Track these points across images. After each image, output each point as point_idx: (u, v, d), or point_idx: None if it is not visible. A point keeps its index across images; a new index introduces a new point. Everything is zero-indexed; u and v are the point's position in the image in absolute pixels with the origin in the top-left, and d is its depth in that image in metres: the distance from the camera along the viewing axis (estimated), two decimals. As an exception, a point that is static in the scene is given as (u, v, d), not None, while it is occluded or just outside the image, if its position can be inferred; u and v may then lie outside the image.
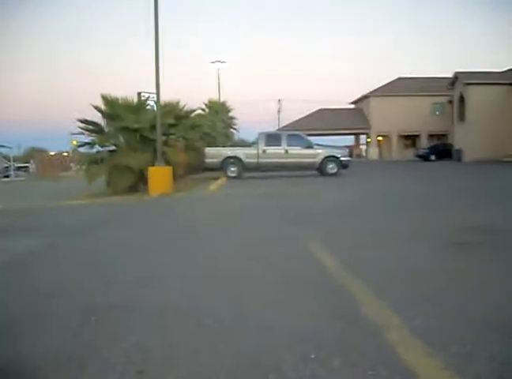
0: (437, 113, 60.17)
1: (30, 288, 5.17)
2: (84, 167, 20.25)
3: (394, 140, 61.87)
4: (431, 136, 59.93)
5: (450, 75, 48.53)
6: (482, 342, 3.16)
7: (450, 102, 52.20)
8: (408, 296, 4.21)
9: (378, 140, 63.39)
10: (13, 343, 3.51)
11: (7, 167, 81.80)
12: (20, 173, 75.58)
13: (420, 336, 3.27)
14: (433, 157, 48.66)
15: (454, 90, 48.39)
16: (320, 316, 3.78)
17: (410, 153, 55.91)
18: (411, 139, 62.57)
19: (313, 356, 3.04)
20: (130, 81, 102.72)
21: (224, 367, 2.97)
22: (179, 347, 3.31)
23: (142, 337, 3.49)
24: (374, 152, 62.09)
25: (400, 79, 62.89)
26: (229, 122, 45.06)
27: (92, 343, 3.44)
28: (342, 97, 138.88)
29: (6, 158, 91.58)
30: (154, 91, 19.11)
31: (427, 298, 4.11)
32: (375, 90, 62.45)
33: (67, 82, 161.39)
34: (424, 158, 49.38)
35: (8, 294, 4.97)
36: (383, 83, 63.52)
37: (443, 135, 58.27)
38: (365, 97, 63.76)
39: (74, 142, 58.38)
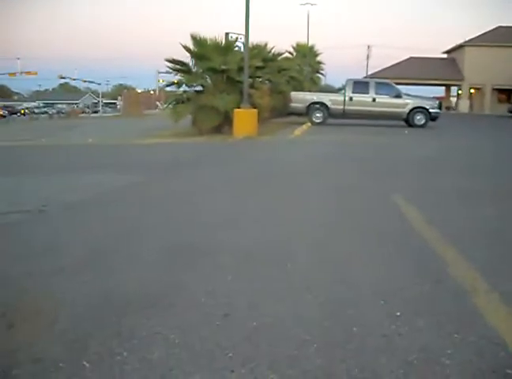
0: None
1: (118, 224, 5.25)
2: (170, 106, 20.46)
3: (488, 93, 58.98)
4: (527, 91, 56.77)
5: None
6: None
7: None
8: (495, 260, 3.99)
9: (470, 93, 60.64)
10: (105, 278, 3.55)
11: (96, 103, 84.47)
12: (108, 109, 77.81)
13: (509, 302, 3.10)
14: (527, 113, 46.19)
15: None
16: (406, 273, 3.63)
17: (504, 108, 53.17)
18: (506, 93, 59.47)
19: (398, 314, 2.94)
20: (219, 20, 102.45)
21: (305, 317, 2.92)
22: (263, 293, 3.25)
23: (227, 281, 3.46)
24: (465, 105, 59.52)
25: (500, 28, 59.34)
26: (316, 67, 44.21)
27: (178, 283, 3.43)
28: (435, 45, 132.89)
29: (95, 94, 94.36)
30: (242, 32, 18.90)
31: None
32: (472, 39, 59.27)
33: (156, 19, 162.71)
34: (518, 114, 46.97)
35: (94, 231, 5.07)
36: (481, 32, 60.27)
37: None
38: (460, 46, 60.73)
39: (161, 80, 59.28)
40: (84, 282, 3.46)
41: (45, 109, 76.94)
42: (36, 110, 74.69)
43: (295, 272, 3.64)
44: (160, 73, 49.87)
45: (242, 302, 3.11)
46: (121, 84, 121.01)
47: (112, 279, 3.54)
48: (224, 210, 5.86)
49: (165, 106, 22.89)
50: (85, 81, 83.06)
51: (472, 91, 60.35)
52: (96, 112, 74.30)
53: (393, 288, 3.35)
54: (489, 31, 59.50)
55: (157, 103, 58.51)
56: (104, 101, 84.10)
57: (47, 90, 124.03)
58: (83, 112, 75.16)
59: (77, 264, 3.82)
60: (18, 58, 77.63)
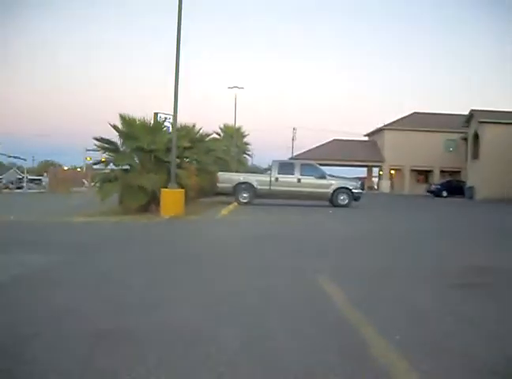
0: (450, 149, 60.25)
1: (37, 307, 5.23)
2: (97, 184, 20.39)
3: (407, 174, 61.86)
4: (443, 172, 59.92)
5: (466, 112, 48.75)
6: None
7: (465, 139, 52.36)
8: (415, 339, 4.22)
9: (391, 174, 63.40)
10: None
11: (20, 179, 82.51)
12: (32, 185, 76.09)
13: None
14: (445, 193, 48.62)
15: (469, 127, 48.58)
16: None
17: (422, 188, 55.83)
18: (423, 174, 62.58)
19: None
20: (147, 99, 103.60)
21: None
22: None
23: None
24: (386, 185, 62.02)
25: (415, 114, 63.08)
26: (243, 148, 45.27)
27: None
28: (356, 129, 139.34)
29: (20, 169, 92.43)
30: (171, 112, 19.33)
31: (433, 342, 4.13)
32: (390, 123, 62.65)
33: (84, 97, 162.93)
34: (436, 194, 49.32)
35: (14, 313, 5.03)
36: (398, 116, 63.75)
37: (456, 172, 58.24)
38: (379, 130, 63.96)
39: (88, 158, 58.91)
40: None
41: (-35, 184, 74.52)
42: (-45, 185, 72.23)
43: (219, 355, 3.75)
44: (87, 150, 49.72)
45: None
46: (47, 161, 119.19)
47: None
48: (141, 289, 5.92)
49: (92, 184, 22.76)
50: (10, 156, 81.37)
51: (392, 171, 63.14)
52: (19, 188, 72.48)
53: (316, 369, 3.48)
54: (406, 117, 63.20)
55: (84, 180, 57.92)
56: (29, 177, 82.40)
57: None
58: (6, 187, 73.22)
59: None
60: None
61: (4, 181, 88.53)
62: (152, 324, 4.52)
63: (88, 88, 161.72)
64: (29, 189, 65.43)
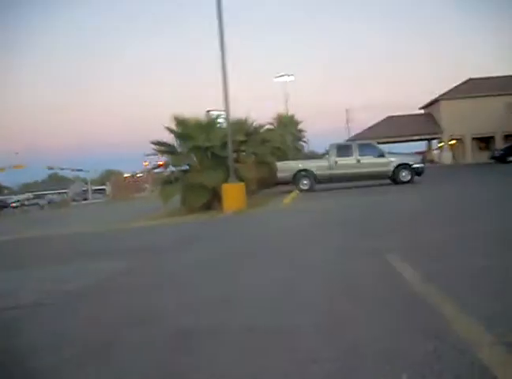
0: (511, 112, 58.15)
1: (117, 310, 5.31)
2: (159, 188, 20.71)
3: (468, 142, 60.14)
4: (507, 136, 57.87)
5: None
6: None
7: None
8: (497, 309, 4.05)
9: (451, 145, 61.78)
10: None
11: (85, 190, 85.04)
12: (97, 195, 78.17)
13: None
14: (510, 158, 46.92)
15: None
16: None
17: (485, 155, 54.09)
18: (485, 141, 60.64)
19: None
20: (199, 100, 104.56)
21: None
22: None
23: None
24: (447, 157, 60.51)
25: (470, 80, 61.18)
26: (299, 135, 45.08)
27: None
28: (411, 102, 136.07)
29: (84, 181, 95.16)
30: (222, 108, 19.43)
31: None
32: (445, 93, 60.98)
33: (138, 103, 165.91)
34: (500, 159, 47.68)
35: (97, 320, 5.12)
36: (453, 85, 62.05)
37: (520, 135, 56.23)
38: (435, 101, 62.37)
39: (146, 163, 60.05)
40: (90, 375, 3.50)
41: (35, 200, 77.30)
42: (27, 203, 75.04)
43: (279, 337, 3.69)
44: (146, 155, 50.54)
45: None
46: (108, 170, 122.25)
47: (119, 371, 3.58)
48: (217, 288, 5.92)
49: (153, 188, 23.15)
50: (73, 170, 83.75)
51: (452, 142, 61.50)
52: (85, 199, 74.66)
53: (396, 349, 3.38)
54: (461, 84, 61.30)
55: (145, 185, 59.01)
56: (93, 188, 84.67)
57: (36, 181, 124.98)
58: (73, 200, 75.52)
59: (81, 357, 3.86)
60: (16, 153, 78.34)
61: (70, 194, 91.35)
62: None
63: (137, 94, 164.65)
64: (94, 199, 67.23)
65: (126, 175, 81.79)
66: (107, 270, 7.89)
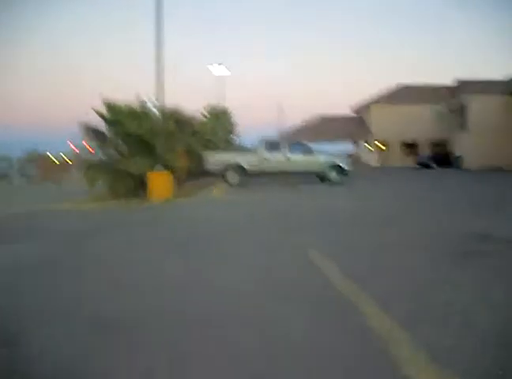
0: (438, 120, 60.17)
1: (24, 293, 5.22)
2: (85, 172, 20.24)
3: (395, 147, 61.87)
4: (431, 143, 59.92)
5: (452, 83, 48.78)
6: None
7: (452, 109, 52.36)
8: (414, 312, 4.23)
9: (379, 148, 63.41)
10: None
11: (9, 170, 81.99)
12: (23, 176, 75.57)
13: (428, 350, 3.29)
14: (433, 164, 48.72)
15: (456, 98, 48.57)
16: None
17: (411, 160, 55.84)
18: (412, 146, 62.55)
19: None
20: (132, 85, 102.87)
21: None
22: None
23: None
24: (374, 160, 62.06)
25: (401, 86, 62.93)
26: (230, 128, 45.03)
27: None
28: (343, 105, 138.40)
29: (8, 160, 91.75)
30: (156, 97, 19.23)
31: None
32: (376, 98, 62.53)
33: (68, 84, 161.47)
34: (425, 165, 49.47)
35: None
36: (384, 91, 63.60)
37: (444, 143, 58.28)
38: (366, 105, 63.83)
39: (74, 146, 58.49)
40: None
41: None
42: None
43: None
44: (73, 139, 49.24)
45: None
46: (35, 150, 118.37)
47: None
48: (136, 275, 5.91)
49: (79, 172, 22.60)
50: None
51: (380, 146, 63.15)
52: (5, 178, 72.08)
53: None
54: (391, 90, 63.02)
55: (72, 169, 57.63)
56: (18, 167, 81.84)
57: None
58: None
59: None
60: None
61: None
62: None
63: (73, 76, 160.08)
64: (20, 179, 64.93)
65: (51, 157, 79.49)
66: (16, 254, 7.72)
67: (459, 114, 47.80)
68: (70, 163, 63.36)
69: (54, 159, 71.04)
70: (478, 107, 44.25)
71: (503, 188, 20.62)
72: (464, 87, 45.83)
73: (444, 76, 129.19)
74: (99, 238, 9.17)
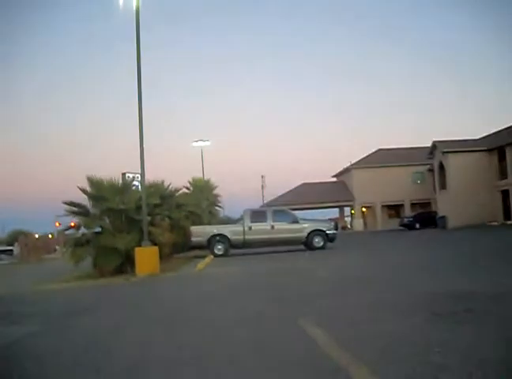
0: (418, 182, 61.14)
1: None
2: (69, 249, 20.09)
3: (378, 210, 62.45)
4: (414, 204, 60.62)
5: (429, 144, 49.90)
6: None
7: (431, 170, 53.33)
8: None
9: (363, 212, 63.99)
10: None
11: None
12: (3, 256, 74.62)
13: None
14: (417, 225, 48.97)
15: (434, 159, 49.59)
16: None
17: (395, 222, 56.22)
18: (395, 208, 63.20)
19: None
20: (114, 161, 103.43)
21: None
22: None
23: None
24: (359, 224, 62.51)
25: (380, 150, 64.15)
26: (214, 200, 45.19)
27: None
28: (324, 171, 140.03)
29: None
30: (138, 171, 19.40)
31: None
32: (356, 162, 63.59)
33: (51, 163, 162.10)
34: (409, 227, 49.72)
35: None
36: (364, 155, 64.77)
37: (426, 203, 58.97)
38: (347, 170, 64.85)
39: (57, 224, 58.22)
40: None
41: None
42: None
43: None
44: (57, 216, 49.13)
45: None
46: (16, 229, 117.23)
47: None
48: (125, 353, 5.82)
49: (64, 250, 22.43)
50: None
51: (363, 209, 63.75)
52: (-11, 260, 71.04)
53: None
54: (371, 154, 64.29)
55: (56, 247, 57.18)
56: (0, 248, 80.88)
57: None
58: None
59: None
60: None
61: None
62: None
63: (55, 154, 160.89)
64: (0, 260, 64.14)
65: (36, 235, 78.85)
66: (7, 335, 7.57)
67: (438, 173, 48.66)
68: (54, 241, 63.03)
69: (38, 238, 70.47)
70: (455, 165, 45.19)
71: (484, 246, 20.76)
72: (441, 147, 46.87)
73: (420, 139, 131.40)
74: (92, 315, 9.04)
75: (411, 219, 51.35)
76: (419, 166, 58.82)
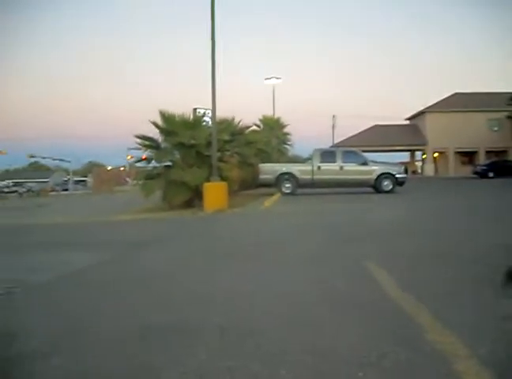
0: (495, 129, 58.75)
1: (88, 305, 5.26)
2: (140, 182, 20.56)
3: (451, 156, 60.65)
4: (489, 152, 58.41)
5: (510, 90, 47.64)
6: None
7: (510, 117, 51.01)
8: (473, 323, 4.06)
9: (434, 157, 62.26)
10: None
11: (66, 181, 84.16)
12: (78, 186, 77.43)
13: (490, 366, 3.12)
14: (491, 174, 47.24)
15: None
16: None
17: (467, 170, 54.51)
18: (468, 155, 61.18)
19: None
20: (187, 96, 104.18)
21: None
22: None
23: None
24: (429, 169, 60.96)
25: (456, 94, 61.71)
26: (283, 138, 45.03)
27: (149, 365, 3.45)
28: (397, 113, 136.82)
29: (65, 171, 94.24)
30: (210, 107, 19.36)
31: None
32: (431, 106, 61.45)
33: (124, 97, 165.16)
34: (482, 175, 48.06)
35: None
36: (439, 98, 62.52)
37: (503, 151, 56.79)
38: (421, 113, 62.83)
39: (129, 157, 59.73)
40: (57, 366, 3.45)
41: (15, 188, 76.28)
42: (6, 190, 74.08)
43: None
44: (129, 149, 50.26)
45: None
46: (91, 162, 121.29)
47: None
48: (192, 285, 5.89)
49: (135, 182, 22.95)
50: (55, 160, 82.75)
51: (435, 155, 61.95)
52: (65, 190, 73.95)
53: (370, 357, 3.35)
54: (447, 98, 61.84)
55: (127, 179, 58.71)
56: (75, 179, 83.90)
57: (16, 169, 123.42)
58: (52, 190, 74.76)
59: (48, 347, 3.81)
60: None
61: (50, 183, 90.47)
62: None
63: (130, 89, 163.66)
64: (75, 190, 66.59)
65: (108, 168, 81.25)
66: (80, 262, 7.83)
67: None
68: (125, 173, 64.81)
69: (110, 170, 72.60)
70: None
71: None
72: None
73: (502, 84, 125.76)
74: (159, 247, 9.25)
75: (484, 168, 49.47)
76: (498, 113, 56.40)
